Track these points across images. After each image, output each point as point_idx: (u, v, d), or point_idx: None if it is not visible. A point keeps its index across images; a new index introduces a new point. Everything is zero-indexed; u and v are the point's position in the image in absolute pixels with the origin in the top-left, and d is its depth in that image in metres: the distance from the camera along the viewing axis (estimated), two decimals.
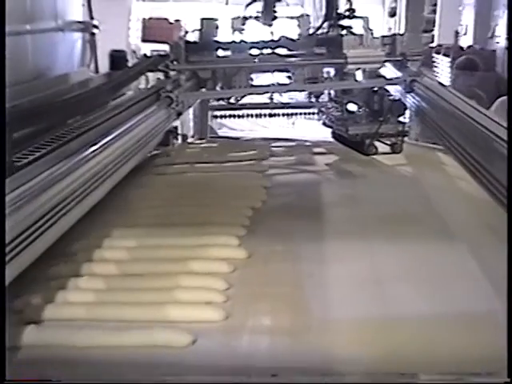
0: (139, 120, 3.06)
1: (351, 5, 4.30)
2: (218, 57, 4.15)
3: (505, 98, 5.72)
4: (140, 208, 3.24)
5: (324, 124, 4.62)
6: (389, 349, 1.88)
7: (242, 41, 4.22)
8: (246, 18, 4.34)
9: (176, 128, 4.75)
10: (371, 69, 3.90)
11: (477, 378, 1.58)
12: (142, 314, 2.13)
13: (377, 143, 4.12)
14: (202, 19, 4.28)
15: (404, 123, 4.15)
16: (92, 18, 5.23)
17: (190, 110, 5.02)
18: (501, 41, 9.44)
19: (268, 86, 4.25)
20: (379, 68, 3.93)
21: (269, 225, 2.97)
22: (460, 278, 2.35)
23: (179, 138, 4.92)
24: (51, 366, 1.84)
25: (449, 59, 8.33)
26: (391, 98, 3.98)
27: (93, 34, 5.24)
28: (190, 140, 5.21)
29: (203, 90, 4.15)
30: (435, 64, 8.90)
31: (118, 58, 4.78)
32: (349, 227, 2.95)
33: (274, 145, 4.68)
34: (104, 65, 5.03)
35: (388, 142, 4.14)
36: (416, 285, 2.31)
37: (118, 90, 4.02)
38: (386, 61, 3.92)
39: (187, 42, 4.09)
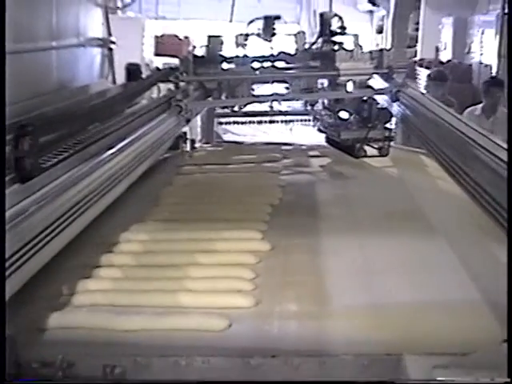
0: (152, 126, 3.06)
1: (343, 23, 4.29)
2: (223, 69, 4.14)
3: (471, 108, 5.74)
4: (168, 204, 3.21)
5: (319, 130, 4.61)
6: (406, 331, 1.87)
7: (244, 55, 4.22)
8: (248, 35, 4.33)
9: (185, 133, 4.74)
10: (361, 80, 3.90)
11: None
12: (179, 301, 2.11)
13: (366, 147, 4.11)
14: (209, 36, 4.27)
15: (390, 129, 4.14)
16: (110, 34, 5.24)
17: (198, 117, 5.02)
18: (476, 56, 9.47)
19: (268, 95, 4.24)
20: (368, 79, 3.93)
21: (287, 220, 2.95)
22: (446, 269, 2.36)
23: (188, 142, 4.91)
24: (96, 347, 1.83)
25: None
26: (379, 106, 3.97)
27: (111, 49, 5.26)
28: (197, 144, 5.19)
29: (209, 99, 4.14)
30: (418, 76, 8.92)
31: (133, 71, 4.77)
32: (356, 222, 2.94)
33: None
34: (120, 76, 5.03)
35: (376, 146, 4.13)
36: (420, 275, 2.31)
37: (133, 99, 4.02)
38: (374, 73, 3.92)
39: (195, 57, 4.09)
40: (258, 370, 1.71)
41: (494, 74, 7.92)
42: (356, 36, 4.15)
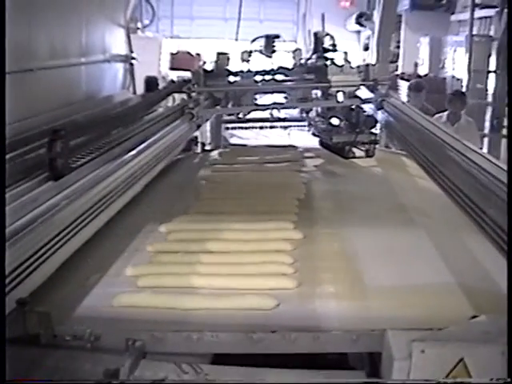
0: (168, 130, 3.05)
1: (334, 41, 4.27)
2: (230, 82, 4.10)
3: (438, 115, 5.70)
4: (207, 198, 3.14)
5: (313, 134, 4.58)
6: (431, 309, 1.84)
7: (248, 69, 4.18)
8: (251, 52, 4.30)
9: (196, 137, 4.72)
10: (349, 91, 3.88)
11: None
12: (229, 283, 2.08)
13: (354, 149, 4.08)
14: (218, 53, 4.25)
15: (375, 134, 4.11)
16: (131, 51, 5.24)
17: (208, 123, 5.00)
18: (449, 70, 9.48)
19: (269, 104, 4.21)
20: (355, 90, 3.92)
21: (314, 212, 2.90)
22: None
23: (199, 145, 4.90)
24: (160, 324, 1.79)
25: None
26: (365, 113, 3.95)
27: (132, 64, 5.25)
28: (207, 147, 5.16)
29: (218, 107, 4.12)
30: (399, 87, 8.92)
31: (151, 83, 4.77)
32: (371, 214, 2.88)
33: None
34: (140, 88, 5.03)
35: (363, 148, 4.11)
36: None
37: (152, 108, 4.01)
38: (361, 84, 3.91)
39: (205, 71, 4.06)
40: (259, 344, 1.70)
41: (459, 88, 7.91)
42: (345, 53, 4.13)
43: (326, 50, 4.20)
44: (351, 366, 1.84)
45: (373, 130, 4.03)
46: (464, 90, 7.62)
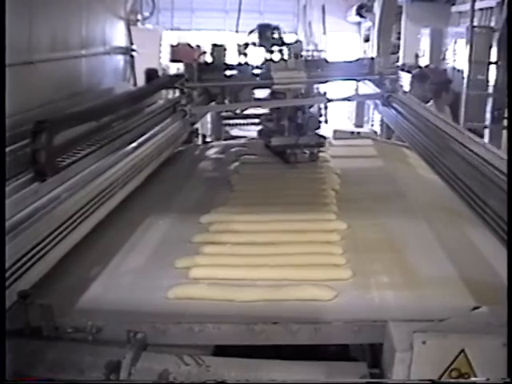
0: (157, 130, 3.02)
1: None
2: (226, 76, 3.87)
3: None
4: (241, 190, 3.07)
5: (258, 134, 4.16)
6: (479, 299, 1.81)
7: (245, 63, 3.88)
8: (248, 44, 3.90)
9: (197, 129, 4.68)
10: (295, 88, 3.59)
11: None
12: (285, 274, 2.05)
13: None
14: (213, 45, 3.99)
15: (321, 135, 3.72)
16: (132, 43, 5.22)
17: (208, 114, 4.92)
18: (450, 62, 9.46)
19: (267, 99, 3.89)
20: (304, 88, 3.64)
21: (351, 203, 2.83)
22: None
23: (199, 137, 4.86)
24: (217, 317, 1.76)
25: (410, 75, 8.36)
26: (309, 114, 3.65)
27: (132, 56, 5.23)
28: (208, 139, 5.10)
29: (213, 103, 3.86)
30: (400, 79, 8.89)
31: (151, 75, 4.74)
32: (412, 206, 2.82)
33: None
34: (141, 80, 5.02)
35: (306, 152, 3.65)
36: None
37: (134, 105, 3.83)
38: (365, 78, 3.78)
39: (199, 64, 3.82)
40: (261, 336, 1.70)
41: (460, 79, 7.86)
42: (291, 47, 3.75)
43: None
44: (353, 357, 1.84)
45: (317, 132, 3.75)
46: (465, 81, 7.59)
